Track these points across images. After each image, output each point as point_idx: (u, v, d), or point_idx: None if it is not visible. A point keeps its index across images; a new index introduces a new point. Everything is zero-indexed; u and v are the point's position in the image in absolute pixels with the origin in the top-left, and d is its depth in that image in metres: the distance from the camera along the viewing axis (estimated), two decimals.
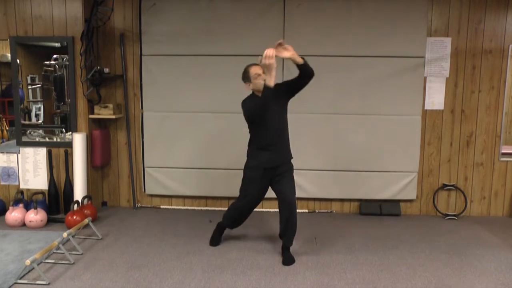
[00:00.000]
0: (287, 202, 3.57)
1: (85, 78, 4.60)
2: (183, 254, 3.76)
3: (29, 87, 5.16)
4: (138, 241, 4.04)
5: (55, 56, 4.84)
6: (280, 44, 3.40)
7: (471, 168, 4.90)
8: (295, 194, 3.63)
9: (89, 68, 4.62)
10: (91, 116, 4.75)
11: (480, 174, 4.90)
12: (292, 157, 3.76)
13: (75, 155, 4.55)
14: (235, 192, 4.92)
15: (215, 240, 3.97)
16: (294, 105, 4.79)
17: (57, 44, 4.77)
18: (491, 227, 4.56)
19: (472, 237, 4.27)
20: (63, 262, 3.54)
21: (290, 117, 4.79)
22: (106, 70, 4.78)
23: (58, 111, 4.99)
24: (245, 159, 3.75)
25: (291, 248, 3.71)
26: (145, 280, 3.27)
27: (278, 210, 3.68)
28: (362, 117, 4.77)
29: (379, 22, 4.62)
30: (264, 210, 4.99)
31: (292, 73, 4.72)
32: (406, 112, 4.75)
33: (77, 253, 3.71)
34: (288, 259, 3.60)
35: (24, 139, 4.80)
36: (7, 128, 5.31)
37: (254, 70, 3.59)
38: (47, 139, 4.89)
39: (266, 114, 3.47)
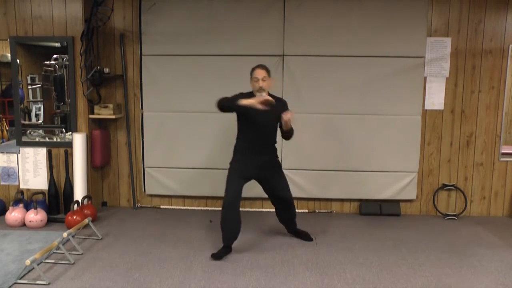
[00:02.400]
0: (286, 199, 3.94)
1: (85, 78, 4.60)
2: (183, 254, 3.75)
3: (29, 87, 5.16)
4: (138, 241, 4.04)
5: (55, 56, 4.83)
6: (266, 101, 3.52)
7: (471, 168, 4.89)
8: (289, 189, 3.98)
9: (89, 68, 4.61)
10: (91, 116, 4.75)
11: (480, 174, 4.90)
12: (277, 157, 4.00)
13: (75, 155, 4.55)
14: None
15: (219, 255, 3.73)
16: (294, 105, 4.80)
17: (57, 44, 4.77)
18: (491, 227, 4.56)
19: (472, 237, 4.28)
20: (63, 262, 3.54)
21: None
22: (106, 70, 4.77)
23: (58, 111, 4.99)
24: None
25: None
26: (145, 280, 3.27)
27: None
28: (362, 117, 4.76)
29: (379, 22, 4.62)
30: (264, 210, 4.99)
31: (293, 72, 4.75)
32: (406, 112, 4.75)
33: (77, 253, 3.71)
34: (307, 235, 4.07)
35: (24, 139, 4.80)
36: (7, 128, 5.31)
37: (256, 74, 3.71)
38: (47, 139, 4.89)
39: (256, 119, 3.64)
